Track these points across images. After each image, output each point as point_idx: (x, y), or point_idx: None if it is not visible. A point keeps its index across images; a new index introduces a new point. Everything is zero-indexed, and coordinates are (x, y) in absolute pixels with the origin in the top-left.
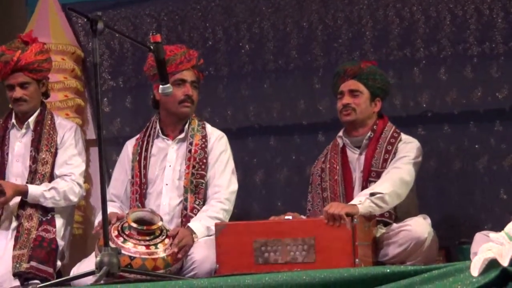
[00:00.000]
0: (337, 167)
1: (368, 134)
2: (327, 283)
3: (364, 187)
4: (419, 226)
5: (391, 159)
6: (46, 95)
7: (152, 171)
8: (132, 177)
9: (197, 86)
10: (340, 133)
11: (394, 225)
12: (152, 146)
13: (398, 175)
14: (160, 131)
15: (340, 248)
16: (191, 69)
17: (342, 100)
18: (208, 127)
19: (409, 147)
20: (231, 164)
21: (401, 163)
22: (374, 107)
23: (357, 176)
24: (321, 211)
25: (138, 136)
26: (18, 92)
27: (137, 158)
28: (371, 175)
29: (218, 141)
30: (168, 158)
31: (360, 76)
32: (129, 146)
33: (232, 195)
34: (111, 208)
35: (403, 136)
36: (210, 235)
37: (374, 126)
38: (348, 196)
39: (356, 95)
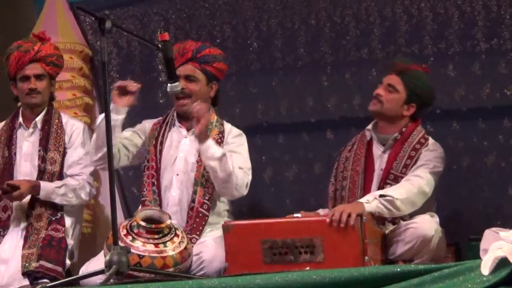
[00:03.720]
0: (361, 159)
1: (395, 134)
2: (337, 282)
3: (380, 187)
4: (425, 224)
5: (412, 165)
6: (52, 97)
7: (164, 158)
8: (148, 161)
9: (194, 79)
10: (369, 126)
11: (402, 222)
12: (168, 133)
13: (417, 185)
14: (176, 120)
15: (349, 246)
16: (188, 63)
17: (378, 89)
18: (227, 124)
19: (431, 155)
20: (248, 159)
21: (422, 171)
22: (406, 110)
23: (376, 172)
24: (336, 199)
25: (156, 121)
26: (34, 83)
27: (154, 143)
28: (389, 177)
29: (235, 137)
30: (180, 148)
31: (403, 75)
32: (147, 125)
33: (247, 177)
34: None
35: (431, 141)
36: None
37: (403, 128)
38: (366, 188)
39: (391, 91)
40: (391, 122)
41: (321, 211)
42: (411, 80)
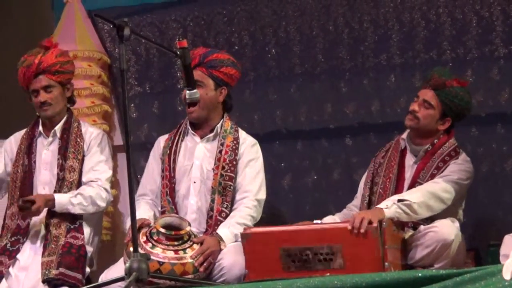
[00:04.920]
0: (394, 166)
1: (427, 146)
2: (358, 287)
3: None
4: (446, 228)
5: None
6: (71, 101)
7: (179, 166)
8: (162, 171)
9: (201, 84)
10: (404, 136)
11: (422, 227)
12: (182, 142)
13: (432, 189)
14: (190, 128)
15: (369, 251)
16: (195, 69)
17: (414, 105)
18: (241, 131)
19: (457, 168)
20: (262, 174)
21: (441, 179)
22: (441, 124)
23: (406, 182)
24: (368, 203)
25: (171, 132)
26: (43, 96)
27: (168, 152)
28: (415, 186)
29: (250, 147)
30: (196, 155)
31: (439, 92)
32: (162, 141)
33: (261, 203)
34: (143, 205)
35: (462, 156)
36: (238, 241)
37: (435, 140)
38: None
39: (427, 107)
40: (425, 136)
41: (329, 218)
42: (446, 97)
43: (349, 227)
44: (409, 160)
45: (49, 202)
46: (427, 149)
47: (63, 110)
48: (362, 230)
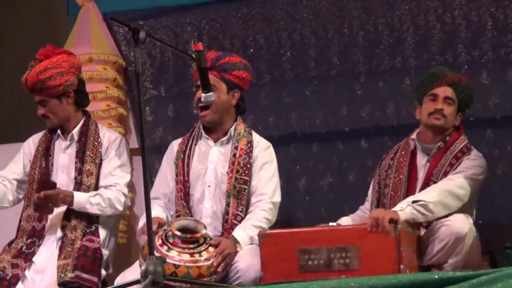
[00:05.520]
0: (404, 167)
1: (439, 143)
2: None
3: None
4: (459, 222)
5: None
6: (80, 104)
7: (194, 171)
8: (176, 175)
9: (213, 87)
10: (413, 136)
11: (435, 222)
12: (195, 146)
13: (447, 186)
14: (203, 132)
15: (385, 254)
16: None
17: (436, 103)
18: (255, 134)
19: (471, 163)
20: (277, 176)
21: (455, 175)
22: (456, 120)
23: (420, 182)
24: (376, 206)
25: (184, 136)
26: (40, 110)
27: (181, 156)
28: (429, 184)
29: (264, 150)
30: (210, 159)
31: (457, 87)
32: (175, 145)
33: (276, 206)
34: (156, 207)
35: (473, 152)
36: (253, 244)
37: (447, 137)
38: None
39: (450, 104)
40: (439, 133)
41: (344, 219)
42: (463, 92)
43: (368, 228)
44: (421, 159)
45: (68, 198)
46: (439, 146)
47: (70, 116)
48: (380, 229)
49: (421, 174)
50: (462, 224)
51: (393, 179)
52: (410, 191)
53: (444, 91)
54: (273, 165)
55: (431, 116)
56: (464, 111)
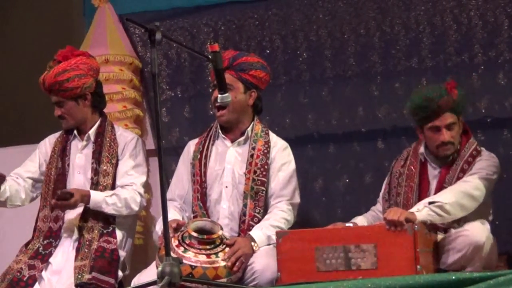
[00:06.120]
0: (415, 175)
1: (451, 156)
2: None
3: None
4: (477, 231)
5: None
6: (96, 107)
7: (211, 171)
8: (193, 175)
9: (230, 87)
10: (422, 150)
11: (452, 230)
12: (212, 146)
13: (463, 187)
14: (220, 132)
15: (402, 254)
16: (224, 72)
17: (439, 135)
18: (272, 134)
19: (484, 164)
20: (295, 177)
21: (470, 177)
22: (461, 128)
23: (432, 193)
24: None
25: (201, 136)
26: (57, 111)
27: (198, 157)
28: (442, 190)
29: (282, 151)
30: (227, 159)
31: (452, 109)
32: (192, 145)
33: (295, 207)
34: (171, 210)
35: (484, 153)
36: (271, 244)
37: (458, 146)
38: None
39: (452, 128)
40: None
41: (358, 219)
42: (459, 106)
43: (387, 227)
44: (432, 171)
45: (85, 197)
46: (452, 157)
47: (87, 118)
48: (399, 228)
49: (433, 185)
50: (480, 232)
51: (404, 187)
52: (421, 199)
53: (444, 119)
54: (291, 166)
55: (441, 149)
56: (464, 112)
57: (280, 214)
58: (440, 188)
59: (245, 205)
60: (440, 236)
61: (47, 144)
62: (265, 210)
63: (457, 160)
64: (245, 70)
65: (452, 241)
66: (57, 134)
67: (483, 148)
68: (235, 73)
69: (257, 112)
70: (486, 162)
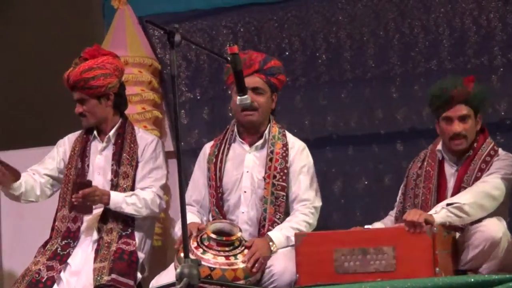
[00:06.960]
0: (433, 176)
1: (467, 153)
2: None
3: None
4: (493, 226)
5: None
6: (118, 107)
7: (229, 176)
8: (209, 180)
9: (262, 92)
10: (439, 147)
11: (470, 227)
12: (228, 149)
13: (482, 188)
14: (237, 135)
15: (420, 257)
16: (254, 75)
17: (452, 126)
18: (289, 135)
19: (502, 163)
20: (316, 180)
21: (489, 177)
22: (477, 125)
23: (449, 191)
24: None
25: (216, 138)
26: (78, 108)
27: (213, 160)
28: (460, 191)
29: (300, 153)
30: (245, 164)
31: (468, 101)
32: (207, 148)
33: (317, 210)
34: (189, 214)
35: (501, 152)
36: (289, 246)
37: (474, 144)
38: None
39: (466, 121)
40: (466, 151)
41: (376, 225)
42: (475, 100)
43: (406, 228)
44: (449, 169)
45: (105, 196)
46: (468, 155)
47: (108, 118)
48: (418, 230)
49: (451, 183)
50: (496, 228)
51: (422, 189)
52: (440, 200)
53: (457, 110)
54: (311, 168)
55: (452, 142)
56: (483, 111)
57: (301, 217)
58: (458, 187)
59: (264, 210)
60: (456, 234)
61: (66, 142)
62: (286, 215)
63: (474, 159)
64: (274, 74)
65: (470, 237)
66: (77, 133)
67: (500, 148)
68: (265, 77)
69: (272, 113)
70: (504, 161)
